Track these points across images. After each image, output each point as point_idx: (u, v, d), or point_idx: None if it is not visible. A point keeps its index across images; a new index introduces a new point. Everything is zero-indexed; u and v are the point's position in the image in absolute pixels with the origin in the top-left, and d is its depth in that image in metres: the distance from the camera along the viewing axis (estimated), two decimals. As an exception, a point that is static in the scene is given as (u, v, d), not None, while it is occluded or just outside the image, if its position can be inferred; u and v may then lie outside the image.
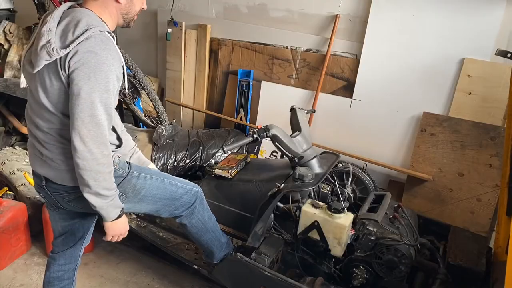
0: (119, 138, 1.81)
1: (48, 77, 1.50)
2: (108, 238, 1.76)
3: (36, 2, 3.11)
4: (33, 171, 1.78)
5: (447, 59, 3.14)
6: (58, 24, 1.50)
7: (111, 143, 1.70)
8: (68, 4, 1.57)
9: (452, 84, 3.16)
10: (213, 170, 2.66)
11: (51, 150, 1.63)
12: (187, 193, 2.04)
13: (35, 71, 1.49)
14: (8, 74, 2.96)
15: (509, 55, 2.07)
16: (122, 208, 1.72)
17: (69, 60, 1.43)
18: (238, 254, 2.24)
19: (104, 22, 1.58)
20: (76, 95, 1.44)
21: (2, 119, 3.20)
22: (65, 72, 1.46)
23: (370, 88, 3.46)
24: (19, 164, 2.86)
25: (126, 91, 3.26)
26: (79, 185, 1.58)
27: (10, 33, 3.00)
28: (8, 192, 2.91)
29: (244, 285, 2.31)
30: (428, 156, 3.23)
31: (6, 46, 2.99)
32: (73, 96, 1.44)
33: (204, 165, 3.05)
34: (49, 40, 1.43)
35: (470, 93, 3.10)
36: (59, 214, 1.91)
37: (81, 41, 1.43)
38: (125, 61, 3.11)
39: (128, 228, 1.80)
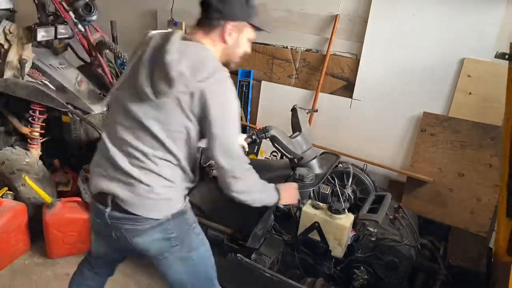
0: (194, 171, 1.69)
1: (169, 108, 1.46)
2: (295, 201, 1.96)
3: (36, 2, 3.10)
4: (95, 193, 1.61)
5: (447, 59, 3.14)
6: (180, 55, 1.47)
7: (186, 173, 1.63)
8: (180, 33, 1.52)
9: (452, 84, 3.16)
10: (212, 171, 2.66)
11: (142, 172, 1.52)
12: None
13: (157, 100, 1.45)
14: (8, 74, 2.95)
15: (506, 56, 2.07)
16: (274, 187, 1.80)
17: (201, 97, 1.43)
18: (239, 255, 2.23)
19: None
20: (211, 133, 1.48)
21: (2, 119, 3.19)
22: (193, 110, 1.46)
23: (370, 88, 3.46)
24: (19, 164, 2.86)
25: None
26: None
27: (10, 33, 2.98)
28: (8, 192, 2.91)
29: (244, 286, 2.30)
30: (428, 156, 3.23)
31: (6, 46, 2.98)
32: (209, 134, 1.49)
33: (204, 165, 3.04)
34: (182, 72, 1.40)
35: (470, 93, 3.10)
36: (105, 239, 1.80)
37: (212, 82, 1.43)
38: (124, 61, 3.13)
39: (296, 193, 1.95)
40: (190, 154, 1.60)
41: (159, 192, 1.55)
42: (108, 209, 1.56)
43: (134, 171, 1.52)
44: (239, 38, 1.62)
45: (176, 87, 1.41)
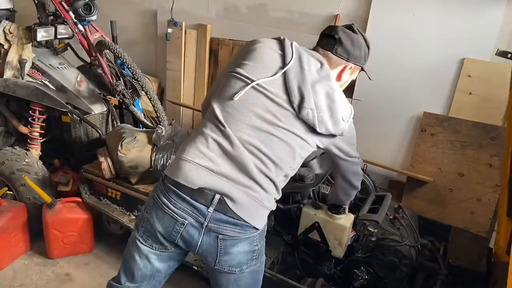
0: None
1: (309, 136, 1.48)
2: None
3: (36, 2, 3.10)
4: (193, 189, 1.40)
5: (447, 59, 3.14)
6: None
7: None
8: (317, 59, 1.54)
9: (452, 84, 3.16)
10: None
11: (268, 182, 1.45)
12: None
13: (318, 128, 1.46)
14: (8, 74, 2.94)
15: (509, 55, 2.07)
16: None
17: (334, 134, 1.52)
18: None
19: None
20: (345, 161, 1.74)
21: (2, 119, 3.19)
22: (325, 141, 1.55)
23: (370, 88, 3.46)
24: (19, 164, 2.86)
25: (123, 89, 3.25)
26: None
27: (10, 33, 2.98)
28: (8, 192, 2.90)
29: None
30: (428, 156, 3.23)
31: (6, 46, 2.98)
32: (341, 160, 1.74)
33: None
34: (335, 117, 1.51)
35: (470, 93, 3.10)
36: (162, 254, 1.55)
37: (347, 126, 1.56)
38: (124, 61, 3.13)
39: None
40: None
41: (271, 201, 1.49)
42: (211, 208, 1.40)
43: (259, 176, 1.41)
44: (349, 78, 1.69)
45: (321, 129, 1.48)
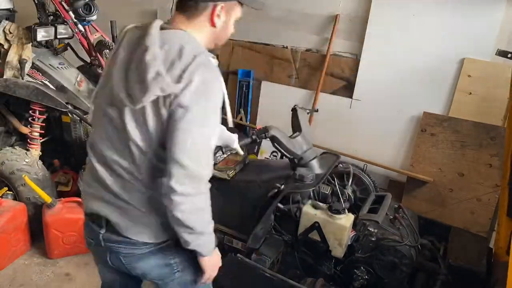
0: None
1: (148, 113, 1.27)
2: (207, 277, 1.51)
3: (36, 2, 3.11)
4: (88, 213, 1.47)
5: (447, 59, 3.14)
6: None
7: None
8: (158, 23, 1.31)
9: (452, 84, 3.16)
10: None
11: (135, 198, 1.37)
12: None
13: (137, 106, 1.26)
14: (8, 74, 2.94)
15: (509, 55, 2.06)
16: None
17: (180, 93, 1.22)
18: (239, 255, 2.23)
19: None
20: (183, 130, 1.23)
21: (2, 119, 3.19)
22: (168, 107, 1.24)
23: (370, 88, 3.46)
24: (19, 164, 2.86)
25: None
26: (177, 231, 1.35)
27: (10, 33, 2.98)
28: (8, 192, 2.91)
29: (244, 286, 2.30)
30: (428, 156, 3.23)
31: (6, 46, 2.98)
32: (179, 131, 1.23)
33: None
34: (159, 71, 1.21)
35: (470, 93, 3.10)
36: (103, 263, 1.59)
37: (192, 71, 1.23)
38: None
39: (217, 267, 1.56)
40: None
41: (152, 215, 1.39)
42: (102, 231, 1.43)
43: (123, 193, 1.37)
44: (228, 20, 1.46)
45: (151, 91, 1.22)
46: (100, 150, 1.41)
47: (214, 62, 1.35)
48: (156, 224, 1.41)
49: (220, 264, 1.56)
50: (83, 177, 1.56)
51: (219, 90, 1.30)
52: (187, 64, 1.23)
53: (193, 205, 1.30)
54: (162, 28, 1.31)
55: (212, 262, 1.49)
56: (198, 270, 1.50)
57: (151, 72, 1.21)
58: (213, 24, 1.40)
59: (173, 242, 1.45)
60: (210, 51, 1.43)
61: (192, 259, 1.48)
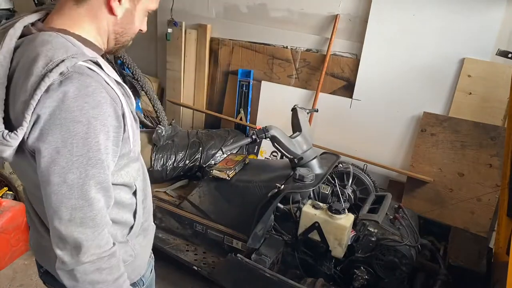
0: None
1: (23, 162, 1.00)
2: None
3: (36, 2, 3.11)
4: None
5: (447, 59, 3.14)
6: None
7: (119, 223, 1.15)
8: (20, 26, 0.99)
9: (452, 84, 3.16)
10: (211, 171, 2.66)
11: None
12: None
13: (9, 161, 1.01)
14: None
15: (510, 55, 2.06)
16: None
17: (29, 134, 0.91)
18: (239, 255, 2.23)
19: (88, 43, 1.04)
20: (44, 182, 0.93)
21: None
22: (29, 150, 0.94)
23: (370, 88, 3.46)
24: (18, 165, 2.86)
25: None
26: None
27: (10, 33, 2.99)
28: (8, 192, 2.91)
29: (244, 286, 2.30)
30: (428, 156, 3.23)
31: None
32: (42, 183, 0.94)
33: (204, 165, 3.05)
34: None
35: (470, 93, 3.10)
36: None
37: (39, 99, 0.88)
38: (124, 61, 3.13)
39: None
40: None
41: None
42: (42, 270, 1.36)
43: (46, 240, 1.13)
44: (134, 9, 1.09)
45: None
46: (27, 194, 1.22)
47: (94, 70, 0.95)
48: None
49: None
50: None
51: (92, 115, 0.90)
52: (32, 90, 0.88)
53: (75, 279, 0.98)
54: (23, 34, 0.99)
55: None
56: None
57: None
58: (110, 11, 1.03)
59: None
60: (112, 53, 1.14)
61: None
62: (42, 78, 0.87)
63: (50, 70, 0.88)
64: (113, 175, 1.03)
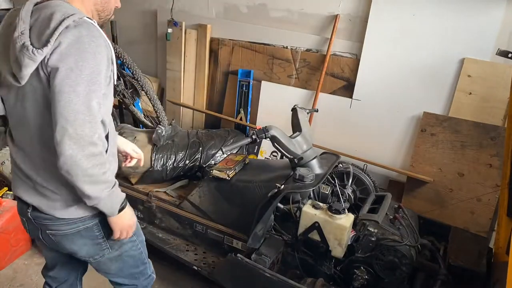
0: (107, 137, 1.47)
1: (35, 86, 1.32)
2: (117, 236, 1.55)
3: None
4: (16, 196, 1.56)
5: (447, 59, 3.14)
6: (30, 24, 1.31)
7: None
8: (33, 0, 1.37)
9: (452, 84, 3.16)
10: (211, 171, 2.66)
11: (43, 175, 1.45)
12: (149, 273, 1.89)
13: (22, 83, 1.30)
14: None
15: (510, 55, 2.06)
16: (125, 197, 1.53)
17: (50, 56, 1.26)
18: (239, 255, 2.23)
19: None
20: (57, 92, 1.25)
21: (2, 119, 3.19)
22: (46, 73, 1.28)
23: (370, 88, 3.46)
24: (19, 165, 2.86)
25: (123, 89, 3.25)
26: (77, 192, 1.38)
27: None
28: (8, 192, 2.91)
29: (244, 287, 2.30)
30: (428, 156, 3.23)
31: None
32: (54, 93, 1.26)
33: (204, 165, 3.04)
34: (24, 43, 1.25)
35: (470, 93, 3.10)
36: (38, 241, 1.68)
37: (60, 32, 1.25)
38: (124, 61, 3.13)
39: (135, 218, 1.62)
40: None
41: (64, 193, 1.46)
42: (30, 209, 1.52)
43: (34, 173, 1.46)
44: None
45: (24, 65, 1.25)
46: (11, 135, 1.51)
47: (95, 24, 1.35)
48: (71, 199, 1.46)
49: (132, 223, 1.60)
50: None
51: (97, 50, 1.30)
52: (54, 27, 1.25)
53: (77, 167, 1.30)
54: (37, 3, 1.36)
55: (120, 221, 1.53)
56: (124, 244, 1.66)
57: (18, 47, 1.26)
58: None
59: (99, 220, 1.54)
60: (98, 25, 1.40)
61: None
62: (62, 21, 1.26)
63: (67, 17, 1.26)
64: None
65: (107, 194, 1.40)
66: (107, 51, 1.34)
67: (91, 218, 1.53)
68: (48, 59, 1.25)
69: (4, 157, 2.88)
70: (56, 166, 1.31)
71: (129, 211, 1.57)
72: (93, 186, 1.35)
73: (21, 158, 1.47)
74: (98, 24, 1.39)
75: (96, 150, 1.33)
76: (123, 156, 1.87)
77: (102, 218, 1.53)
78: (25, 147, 1.45)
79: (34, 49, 1.24)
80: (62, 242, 1.55)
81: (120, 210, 1.49)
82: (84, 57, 1.26)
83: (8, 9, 3.19)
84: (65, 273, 1.90)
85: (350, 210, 2.30)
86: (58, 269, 1.86)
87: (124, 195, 1.53)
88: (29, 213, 1.52)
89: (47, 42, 1.24)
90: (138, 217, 2.80)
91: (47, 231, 1.53)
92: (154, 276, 1.92)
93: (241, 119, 4.01)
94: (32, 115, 1.37)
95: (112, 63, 1.39)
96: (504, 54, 2.08)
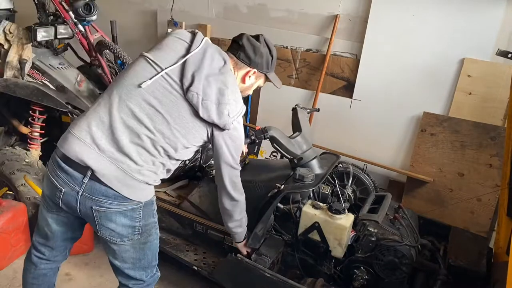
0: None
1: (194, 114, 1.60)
2: (245, 253, 2.20)
3: (36, 2, 3.10)
4: (67, 157, 1.54)
5: (447, 59, 3.14)
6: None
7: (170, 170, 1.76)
8: (222, 58, 1.71)
9: (452, 84, 3.16)
10: (211, 171, 2.66)
11: (141, 154, 1.58)
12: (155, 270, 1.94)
13: (200, 112, 1.58)
14: (8, 74, 2.94)
15: (510, 55, 2.07)
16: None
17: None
18: (239, 255, 2.23)
19: None
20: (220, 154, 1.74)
21: (2, 119, 3.19)
22: (210, 130, 1.66)
23: (370, 88, 3.46)
24: (19, 164, 2.86)
25: None
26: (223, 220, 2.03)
27: (10, 33, 2.98)
28: (8, 192, 2.90)
29: (244, 287, 2.30)
30: (428, 156, 3.23)
31: (6, 46, 2.97)
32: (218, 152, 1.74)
33: (204, 165, 3.04)
34: (224, 112, 1.61)
35: (470, 93, 3.10)
36: (57, 217, 1.74)
37: (231, 121, 1.63)
38: (124, 61, 3.12)
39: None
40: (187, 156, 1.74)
41: (145, 174, 1.60)
42: (86, 179, 1.53)
43: (130, 149, 1.55)
44: (254, 83, 1.89)
45: (218, 114, 1.61)
46: (131, 108, 1.56)
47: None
48: (143, 183, 1.59)
49: (243, 251, 2.22)
50: (77, 121, 1.63)
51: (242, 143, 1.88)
52: (229, 113, 1.63)
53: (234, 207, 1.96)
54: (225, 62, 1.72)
55: (239, 246, 2.19)
56: (151, 235, 1.75)
57: (218, 99, 1.59)
58: (243, 81, 1.84)
59: (144, 205, 1.65)
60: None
61: (153, 226, 1.75)
62: (236, 112, 1.70)
63: (238, 114, 1.71)
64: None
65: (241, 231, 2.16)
66: None
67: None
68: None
69: (4, 157, 2.88)
70: (169, 161, 1.66)
71: (243, 243, 2.24)
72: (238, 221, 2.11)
73: (125, 132, 1.55)
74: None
75: (243, 200, 2.07)
76: None
77: (146, 203, 1.65)
78: (142, 128, 1.57)
79: (226, 122, 1.65)
80: (104, 217, 1.59)
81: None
82: (239, 146, 1.86)
83: (8, 9, 3.19)
84: (64, 245, 1.91)
85: (350, 210, 2.30)
86: (61, 240, 1.86)
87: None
88: (84, 185, 1.53)
89: (226, 117, 1.66)
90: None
91: (92, 205, 1.56)
92: (159, 274, 1.97)
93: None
94: (177, 120, 1.62)
95: None
96: (504, 54, 2.09)
